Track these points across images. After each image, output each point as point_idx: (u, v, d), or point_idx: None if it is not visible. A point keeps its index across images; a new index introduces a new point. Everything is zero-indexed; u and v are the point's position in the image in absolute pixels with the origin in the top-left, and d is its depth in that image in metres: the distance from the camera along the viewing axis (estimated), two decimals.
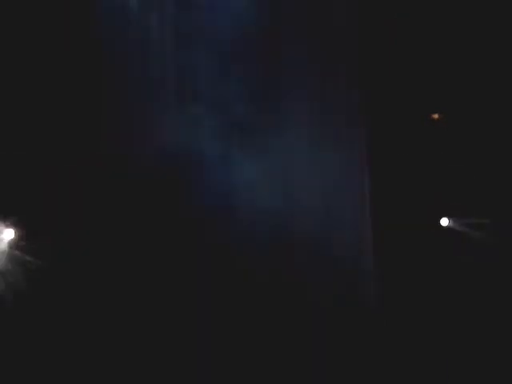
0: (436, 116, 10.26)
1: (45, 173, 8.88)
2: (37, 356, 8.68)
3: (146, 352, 8.92)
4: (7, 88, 8.89)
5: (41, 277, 8.68)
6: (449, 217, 10.10)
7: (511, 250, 9.83)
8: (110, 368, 8.80)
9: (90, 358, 8.78)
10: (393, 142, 9.95)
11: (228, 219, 9.29)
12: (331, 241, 9.47)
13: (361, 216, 9.77)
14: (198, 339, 9.03)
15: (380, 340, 9.30)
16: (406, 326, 9.52)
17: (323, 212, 9.58)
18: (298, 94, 9.68)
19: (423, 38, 10.00)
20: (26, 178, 8.81)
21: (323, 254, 9.36)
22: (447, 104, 10.18)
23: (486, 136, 10.04)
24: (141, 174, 9.11)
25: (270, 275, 9.18)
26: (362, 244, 9.67)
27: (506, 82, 10.03)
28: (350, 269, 9.48)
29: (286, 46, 9.74)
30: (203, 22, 9.52)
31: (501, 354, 9.58)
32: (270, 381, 9.06)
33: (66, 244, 8.83)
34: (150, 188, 9.10)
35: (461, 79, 10.05)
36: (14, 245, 8.79)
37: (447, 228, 10.11)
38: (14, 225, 8.78)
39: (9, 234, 8.81)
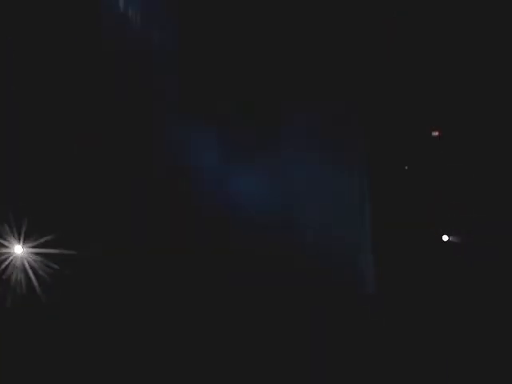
0: (436, 133, 10.30)
1: (47, 177, 8.94)
2: (48, 358, 8.69)
3: (146, 352, 8.95)
4: (7, 88, 8.94)
5: (51, 284, 8.72)
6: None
7: (511, 250, 9.84)
8: (110, 368, 8.82)
9: (95, 359, 8.82)
10: (393, 142, 9.99)
11: (228, 219, 9.35)
12: (331, 241, 9.52)
13: (360, 216, 9.81)
14: (198, 339, 9.06)
15: (379, 339, 9.32)
16: (405, 325, 9.52)
17: (323, 212, 9.63)
18: (296, 104, 9.75)
19: (423, 39, 10.04)
20: (32, 184, 8.86)
21: (323, 254, 9.40)
22: (447, 105, 10.21)
23: (485, 136, 10.07)
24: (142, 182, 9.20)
25: (269, 275, 9.21)
26: (362, 244, 9.71)
27: (506, 83, 10.05)
28: (349, 268, 9.52)
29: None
30: None
31: (501, 354, 9.57)
32: (270, 381, 9.08)
33: (72, 248, 8.87)
34: (150, 193, 9.17)
35: (461, 81, 10.08)
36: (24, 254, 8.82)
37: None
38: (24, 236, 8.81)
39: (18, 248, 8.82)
